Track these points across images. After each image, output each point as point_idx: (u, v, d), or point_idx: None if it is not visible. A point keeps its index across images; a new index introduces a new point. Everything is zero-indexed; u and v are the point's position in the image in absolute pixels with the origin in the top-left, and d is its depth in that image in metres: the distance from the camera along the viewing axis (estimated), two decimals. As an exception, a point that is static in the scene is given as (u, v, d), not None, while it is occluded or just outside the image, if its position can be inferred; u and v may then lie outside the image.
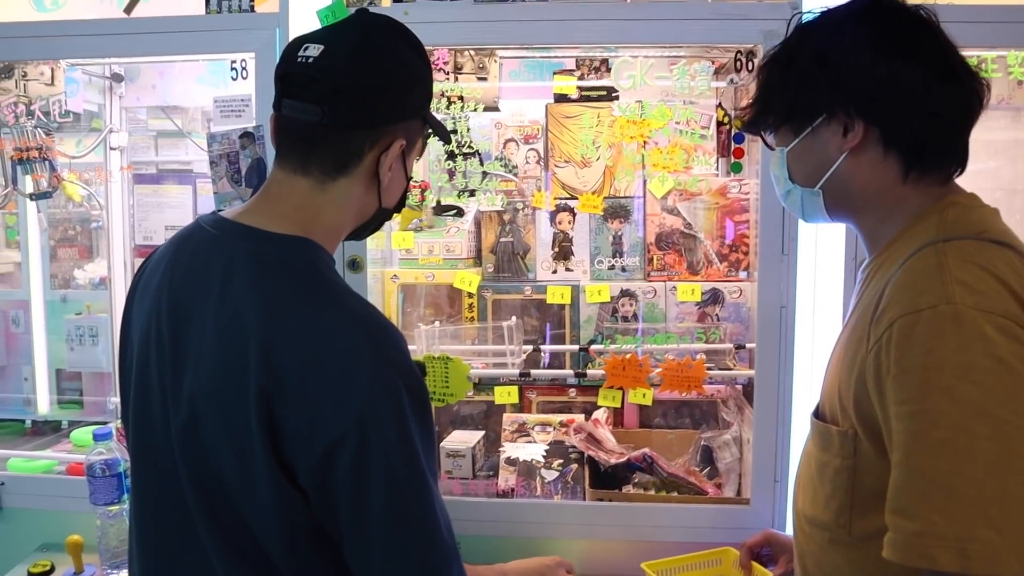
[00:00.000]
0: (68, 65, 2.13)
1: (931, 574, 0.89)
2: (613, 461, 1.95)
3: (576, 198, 2.20)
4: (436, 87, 1.91)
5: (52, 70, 2.09)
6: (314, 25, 1.62)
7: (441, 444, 2.06)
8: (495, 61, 2.09)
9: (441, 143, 1.88)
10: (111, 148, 2.45)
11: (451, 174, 2.07)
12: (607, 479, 1.97)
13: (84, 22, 1.90)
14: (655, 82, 1.96)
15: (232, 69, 1.84)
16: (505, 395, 2.03)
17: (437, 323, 2.17)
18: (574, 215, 2.21)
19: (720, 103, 2.17)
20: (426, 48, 1.17)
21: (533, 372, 2.11)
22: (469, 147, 2.06)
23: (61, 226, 2.64)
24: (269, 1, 1.82)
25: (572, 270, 2.24)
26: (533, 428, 2.18)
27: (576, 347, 2.21)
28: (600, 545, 1.83)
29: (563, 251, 2.23)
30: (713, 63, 1.99)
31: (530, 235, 2.27)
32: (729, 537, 1.72)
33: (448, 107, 2.01)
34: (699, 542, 1.72)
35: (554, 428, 2.16)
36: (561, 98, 2.26)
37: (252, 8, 1.82)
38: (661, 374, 1.88)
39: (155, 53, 1.96)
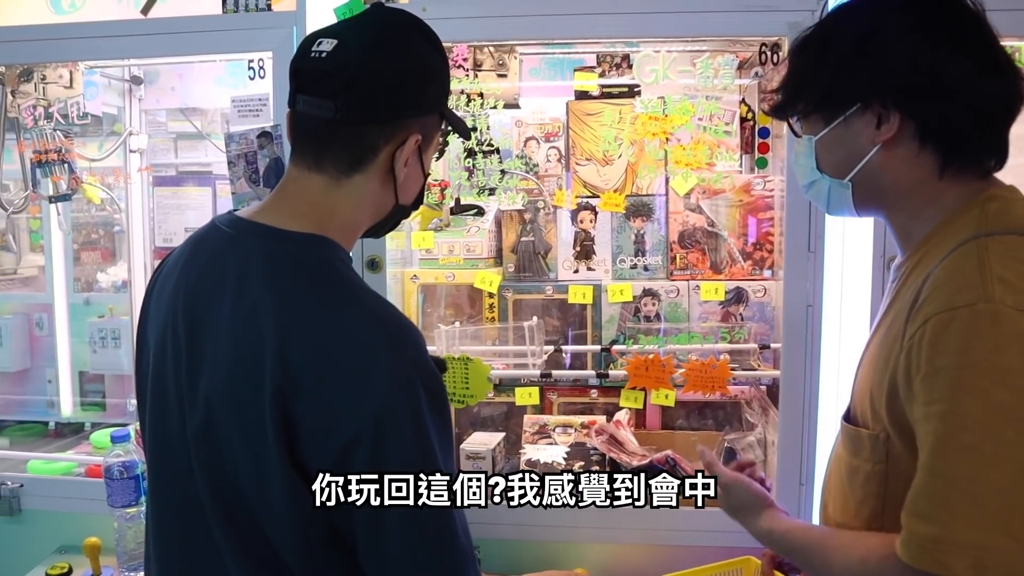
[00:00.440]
0: (87, 68, 2.14)
1: None
2: (635, 463, 1.92)
3: (598, 196, 2.17)
4: (455, 84, 1.90)
5: (71, 73, 2.10)
6: (331, 22, 1.61)
7: (461, 446, 2.04)
8: (515, 58, 2.07)
9: (461, 140, 1.87)
10: (131, 151, 2.47)
11: (471, 172, 2.05)
12: (629, 482, 1.94)
13: (101, 23, 1.91)
14: (678, 78, 1.93)
15: (249, 68, 1.85)
16: (526, 396, 2.01)
17: (457, 324, 2.15)
18: (596, 214, 2.18)
19: (744, 99, 2.14)
20: (444, 45, 1.15)
21: (554, 373, 2.08)
22: (489, 145, 2.04)
23: (84, 230, 2.66)
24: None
25: (594, 269, 2.21)
26: (554, 430, 2.15)
27: (598, 347, 2.17)
28: (621, 549, 1.80)
29: (585, 250, 2.20)
30: (737, 56, 1.96)
31: (551, 234, 2.24)
32: (752, 542, 1.67)
33: (468, 104, 1.99)
34: (722, 546, 1.69)
35: (575, 430, 2.14)
36: (582, 95, 2.22)
37: (269, 7, 1.82)
38: (684, 375, 1.86)
39: (172, 53, 1.97)
